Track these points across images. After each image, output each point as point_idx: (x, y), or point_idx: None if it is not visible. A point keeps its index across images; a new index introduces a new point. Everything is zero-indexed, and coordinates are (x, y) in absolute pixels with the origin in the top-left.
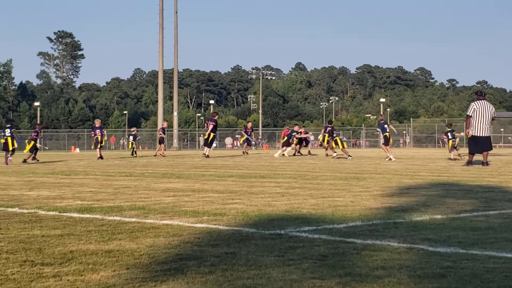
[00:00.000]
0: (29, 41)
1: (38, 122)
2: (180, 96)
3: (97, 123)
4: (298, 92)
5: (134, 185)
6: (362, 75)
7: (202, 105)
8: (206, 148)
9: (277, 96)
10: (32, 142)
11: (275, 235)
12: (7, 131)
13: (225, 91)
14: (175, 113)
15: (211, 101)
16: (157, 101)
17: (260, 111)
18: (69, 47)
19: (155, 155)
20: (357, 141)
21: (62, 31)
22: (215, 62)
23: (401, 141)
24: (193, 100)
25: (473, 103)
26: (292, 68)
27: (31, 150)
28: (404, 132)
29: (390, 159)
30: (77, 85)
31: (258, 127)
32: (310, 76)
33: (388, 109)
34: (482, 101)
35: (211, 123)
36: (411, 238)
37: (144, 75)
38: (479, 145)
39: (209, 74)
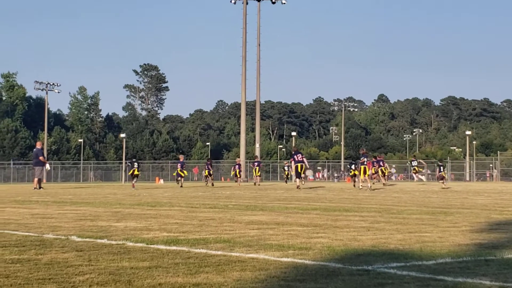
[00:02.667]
0: (116, 74)
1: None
2: (262, 128)
3: (181, 158)
4: (381, 124)
5: (219, 217)
6: (447, 107)
7: (284, 136)
8: (297, 179)
9: (359, 128)
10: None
11: (362, 271)
12: (135, 164)
13: (307, 123)
14: (257, 145)
15: (293, 133)
16: (239, 133)
17: (342, 143)
18: (154, 80)
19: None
20: None
21: (148, 64)
22: (297, 93)
23: (487, 175)
24: (275, 131)
25: None
26: (374, 100)
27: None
28: (491, 165)
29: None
30: (161, 116)
31: (340, 159)
32: (393, 107)
33: (474, 142)
34: None
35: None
36: (503, 276)
37: (227, 107)
38: None
39: (291, 105)
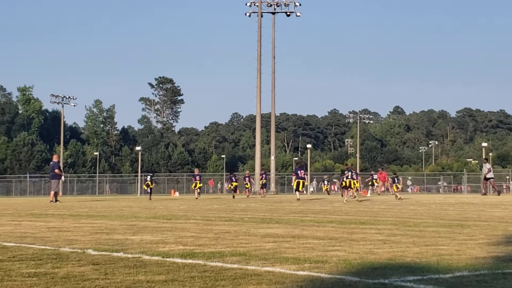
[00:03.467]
0: (131, 87)
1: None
2: (277, 140)
3: (196, 171)
4: (396, 136)
5: (234, 230)
6: (463, 118)
7: (299, 149)
8: (297, 192)
9: (374, 140)
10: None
11: (379, 285)
12: (148, 177)
13: (322, 135)
14: (272, 157)
15: (308, 145)
16: (254, 145)
17: (358, 155)
18: (169, 93)
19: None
20: (458, 186)
21: (163, 77)
22: (312, 106)
23: (504, 187)
24: (290, 144)
25: None
26: (390, 112)
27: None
28: (507, 177)
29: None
30: (176, 129)
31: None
32: (409, 119)
33: (490, 154)
34: None
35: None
36: None
37: (242, 119)
38: None
39: (306, 118)
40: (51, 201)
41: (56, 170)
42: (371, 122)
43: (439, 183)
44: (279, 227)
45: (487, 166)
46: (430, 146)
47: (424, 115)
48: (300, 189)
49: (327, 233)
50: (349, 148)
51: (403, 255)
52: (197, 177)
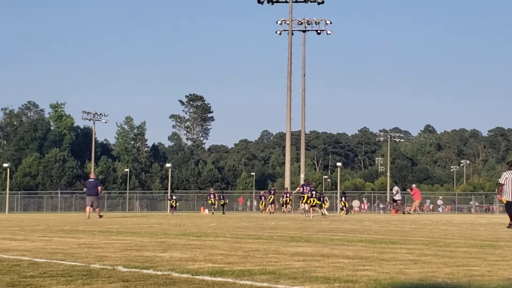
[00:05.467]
0: (162, 104)
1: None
2: (307, 158)
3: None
4: (427, 155)
5: (264, 248)
6: (495, 138)
7: (329, 167)
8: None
9: (405, 158)
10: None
11: None
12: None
13: (352, 153)
14: (302, 175)
15: (338, 164)
16: (284, 163)
17: (388, 174)
18: (200, 110)
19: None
20: (490, 206)
21: (193, 94)
22: (342, 124)
23: None
24: (320, 162)
25: (504, 173)
26: (421, 131)
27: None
28: None
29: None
30: (206, 146)
31: (386, 190)
32: (440, 138)
33: None
34: None
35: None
36: None
37: (272, 137)
38: None
39: (336, 136)
40: (99, 216)
41: (99, 188)
42: (402, 140)
43: (471, 202)
44: (308, 246)
45: None
46: (461, 165)
47: (455, 134)
48: (309, 203)
49: (357, 253)
50: (379, 167)
51: (434, 275)
52: (211, 196)
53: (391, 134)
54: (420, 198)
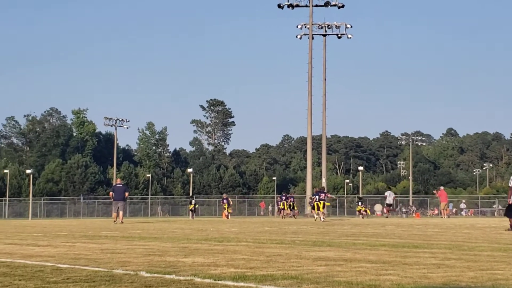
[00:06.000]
0: (183, 109)
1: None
2: (328, 162)
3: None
4: (450, 158)
5: (286, 253)
6: None
7: (351, 171)
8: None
9: (427, 162)
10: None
11: None
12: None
13: (374, 157)
14: (323, 179)
15: (360, 167)
16: (305, 167)
17: (411, 177)
18: (221, 115)
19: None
20: None
21: (214, 99)
22: (363, 128)
23: None
24: (341, 166)
25: None
26: (443, 134)
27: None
28: None
29: None
30: (227, 151)
31: (409, 194)
32: (462, 142)
33: None
34: None
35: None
36: None
37: (293, 141)
38: None
39: (358, 140)
40: (121, 222)
41: (127, 193)
42: (424, 144)
43: (494, 206)
44: (330, 250)
45: None
46: (484, 168)
47: (478, 137)
48: (321, 209)
49: (380, 257)
50: (401, 171)
51: (457, 279)
52: (225, 201)
53: (413, 137)
54: (446, 201)
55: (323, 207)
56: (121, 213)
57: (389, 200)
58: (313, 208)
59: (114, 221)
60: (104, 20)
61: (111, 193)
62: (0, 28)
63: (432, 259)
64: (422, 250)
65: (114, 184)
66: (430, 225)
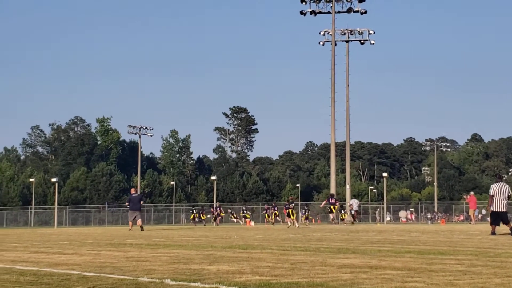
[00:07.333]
0: (206, 117)
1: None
2: (352, 169)
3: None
4: (475, 164)
5: (311, 260)
6: None
7: (375, 177)
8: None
9: (452, 168)
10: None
11: None
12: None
13: (398, 163)
14: (347, 186)
15: (384, 174)
16: (329, 174)
17: (435, 183)
18: (244, 122)
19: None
20: None
21: (237, 106)
22: (387, 134)
23: None
24: (365, 172)
25: (493, 185)
26: (468, 139)
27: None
28: None
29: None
30: (251, 158)
31: (433, 200)
32: (487, 147)
33: None
34: (500, 183)
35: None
36: None
37: (316, 148)
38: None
39: (381, 146)
40: (142, 229)
41: (142, 202)
42: (449, 150)
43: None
44: (356, 257)
45: None
46: (510, 174)
47: (503, 142)
48: (335, 211)
49: (406, 264)
50: (426, 177)
51: (484, 286)
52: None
53: (438, 143)
54: (475, 207)
55: (335, 212)
56: (139, 220)
57: (355, 207)
58: (287, 215)
59: (129, 229)
60: (126, 29)
61: (127, 203)
62: (25, 39)
63: (458, 266)
64: (448, 256)
65: (130, 194)
66: (455, 231)
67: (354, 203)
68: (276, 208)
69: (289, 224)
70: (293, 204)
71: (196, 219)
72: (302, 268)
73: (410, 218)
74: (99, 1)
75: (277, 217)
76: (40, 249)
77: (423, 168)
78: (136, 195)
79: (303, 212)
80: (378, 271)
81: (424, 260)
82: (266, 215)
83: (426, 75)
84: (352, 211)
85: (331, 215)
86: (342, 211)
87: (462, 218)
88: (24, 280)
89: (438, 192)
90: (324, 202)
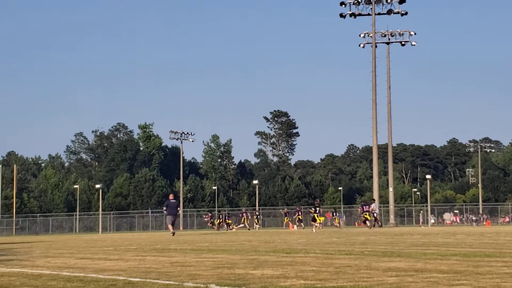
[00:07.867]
0: (247, 121)
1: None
2: (395, 171)
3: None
4: None
5: (355, 264)
6: None
7: (418, 179)
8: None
9: (497, 169)
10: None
11: None
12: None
13: (442, 165)
14: (390, 189)
15: (428, 176)
16: (371, 177)
17: (480, 185)
18: (285, 126)
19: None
20: None
21: (278, 110)
22: (430, 135)
23: None
24: (408, 175)
25: None
26: None
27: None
28: None
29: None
30: (292, 162)
31: (478, 202)
32: None
33: None
34: None
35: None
36: None
37: (358, 151)
38: None
39: (424, 148)
40: (173, 233)
41: (179, 208)
42: (493, 151)
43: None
44: (401, 261)
45: None
46: None
47: None
48: (369, 218)
49: (452, 267)
50: (470, 178)
51: None
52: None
53: (482, 144)
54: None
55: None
56: (170, 226)
57: (377, 210)
58: (313, 220)
59: (172, 233)
60: (168, 35)
61: (164, 208)
62: (70, 46)
63: (505, 268)
64: (494, 259)
65: (168, 199)
66: (501, 233)
67: (375, 207)
68: (300, 213)
69: (315, 229)
70: (318, 209)
71: (222, 223)
72: (347, 272)
73: (454, 220)
74: (141, 8)
75: (301, 222)
76: (86, 255)
77: (467, 169)
78: (174, 201)
79: (335, 215)
80: (424, 274)
81: (470, 263)
82: (286, 218)
83: (468, 75)
84: (375, 214)
85: (368, 223)
86: (335, 214)
87: (507, 219)
88: (71, 286)
89: (483, 193)
90: (359, 209)
